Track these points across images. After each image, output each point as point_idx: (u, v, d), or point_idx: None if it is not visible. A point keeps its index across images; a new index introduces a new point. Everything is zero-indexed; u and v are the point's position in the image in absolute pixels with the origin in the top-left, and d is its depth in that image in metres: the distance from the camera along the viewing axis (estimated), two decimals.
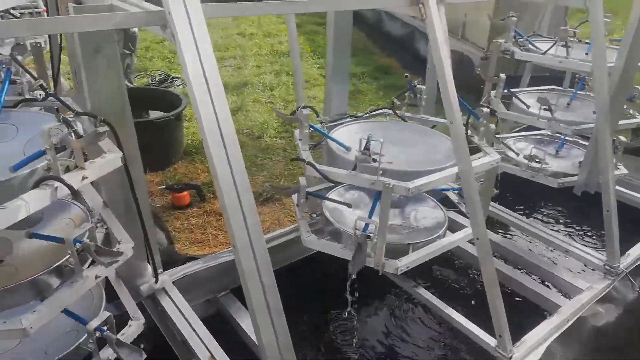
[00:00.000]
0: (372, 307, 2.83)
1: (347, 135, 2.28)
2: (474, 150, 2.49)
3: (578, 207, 3.56)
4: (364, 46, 8.26)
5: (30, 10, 2.55)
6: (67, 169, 1.42)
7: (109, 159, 1.47)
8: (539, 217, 3.86)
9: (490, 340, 1.97)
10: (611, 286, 2.30)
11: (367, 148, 1.86)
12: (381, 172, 1.94)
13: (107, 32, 1.61)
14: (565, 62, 2.66)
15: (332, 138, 2.18)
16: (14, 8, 2.18)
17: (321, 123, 2.30)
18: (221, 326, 2.34)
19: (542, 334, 2.02)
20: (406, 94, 2.50)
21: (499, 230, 3.15)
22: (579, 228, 3.64)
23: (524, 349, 1.94)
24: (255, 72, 6.59)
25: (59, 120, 1.37)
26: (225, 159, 1.34)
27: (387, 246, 2.15)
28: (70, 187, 1.35)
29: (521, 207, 3.83)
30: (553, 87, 3.39)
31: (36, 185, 1.33)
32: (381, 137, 2.41)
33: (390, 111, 2.57)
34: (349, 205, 2.20)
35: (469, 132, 2.30)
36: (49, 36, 2.54)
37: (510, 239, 3.24)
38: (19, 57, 1.82)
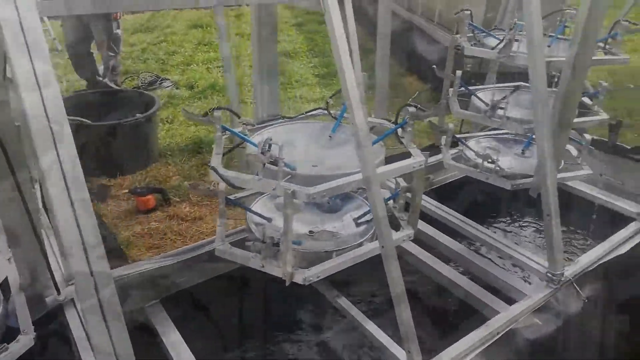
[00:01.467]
0: None
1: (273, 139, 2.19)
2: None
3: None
4: (363, 44, 8.13)
5: None
6: None
7: None
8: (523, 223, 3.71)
9: (400, 355, 1.85)
10: (551, 295, 2.14)
11: (267, 151, 1.76)
12: (289, 176, 1.86)
13: None
14: (515, 57, 2.52)
15: (249, 141, 2.09)
16: None
17: (244, 125, 2.21)
18: (149, 339, 2.25)
19: (463, 348, 1.89)
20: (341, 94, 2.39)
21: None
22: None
23: None
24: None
25: None
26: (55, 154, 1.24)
27: (310, 255, 2.06)
28: None
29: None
30: (520, 83, 3.22)
31: None
32: (312, 139, 2.34)
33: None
34: (269, 219, 2.12)
35: (399, 132, 2.18)
36: None
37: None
38: None
